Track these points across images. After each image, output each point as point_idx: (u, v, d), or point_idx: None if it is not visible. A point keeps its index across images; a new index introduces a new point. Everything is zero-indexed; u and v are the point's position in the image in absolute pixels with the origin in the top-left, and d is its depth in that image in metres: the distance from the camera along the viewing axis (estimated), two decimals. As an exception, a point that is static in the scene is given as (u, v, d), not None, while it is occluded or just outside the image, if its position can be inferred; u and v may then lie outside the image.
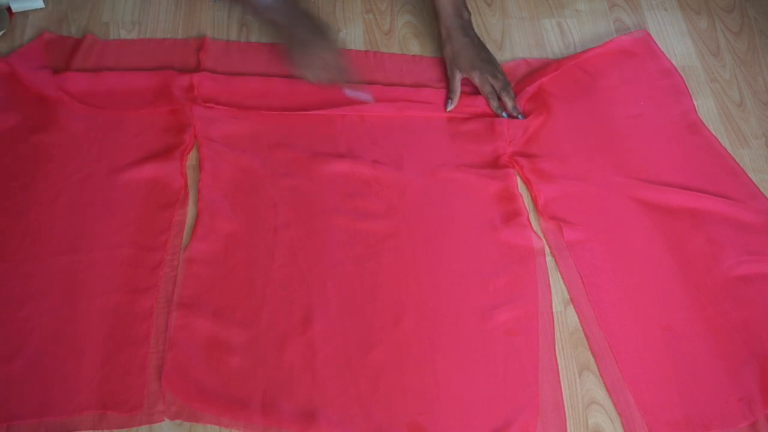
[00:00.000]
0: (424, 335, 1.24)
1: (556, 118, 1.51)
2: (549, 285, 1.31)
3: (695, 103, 1.56)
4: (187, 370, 1.18)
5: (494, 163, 1.45)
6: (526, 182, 1.44)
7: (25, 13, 1.58)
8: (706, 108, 1.57)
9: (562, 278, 1.33)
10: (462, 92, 1.53)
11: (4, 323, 1.20)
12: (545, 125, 1.50)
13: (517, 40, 1.65)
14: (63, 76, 1.46)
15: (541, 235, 1.38)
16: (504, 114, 1.49)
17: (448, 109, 1.49)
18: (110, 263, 1.27)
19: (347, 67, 1.47)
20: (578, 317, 1.29)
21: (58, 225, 1.30)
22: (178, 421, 1.15)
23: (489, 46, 1.58)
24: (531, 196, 1.42)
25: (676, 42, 1.69)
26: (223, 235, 1.32)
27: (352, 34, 1.62)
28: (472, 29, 1.55)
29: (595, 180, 1.43)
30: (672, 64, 1.62)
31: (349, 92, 1.48)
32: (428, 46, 1.62)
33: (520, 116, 1.48)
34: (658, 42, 1.66)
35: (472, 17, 1.61)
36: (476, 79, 1.49)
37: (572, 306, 1.30)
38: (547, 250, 1.36)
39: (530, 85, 1.54)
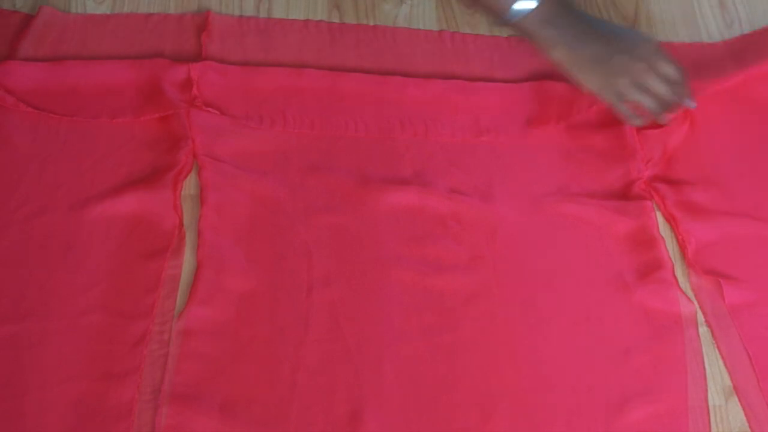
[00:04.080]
0: (523, 441, 1.24)
1: (709, 125, 1.51)
2: (704, 368, 1.30)
3: None
4: (184, 495, 1.18)
5: (625, 193, 1.44)
6: (671, 220, 1.42)
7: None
8: None
9: (723, 358, 1.31)
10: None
11: None
12: (694, 137, 1.50)
13: (657, 15, 1.67)
14: (4, 67, 1.46)
15: (692, 296, 1.36)
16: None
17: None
18: (73, 337, 1.25)
19: (683, 73, 1.44)
20: (746, 415, 1.27)
21: (-4, 281, 1.30)
22: None
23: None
24: (677, 239, 1.41)
25: None
26: (234, 297, 1.30)
27: (421, 8, 1.64)
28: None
29: (772, 218, 1.44)
30: None
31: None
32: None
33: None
34: None
35: None
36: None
37: (736, 398, 1.28)
38: (700, 318, 1.34)
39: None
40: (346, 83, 1.50)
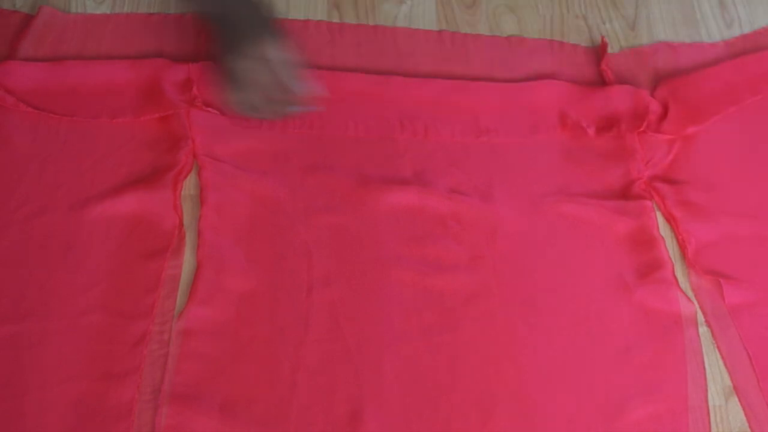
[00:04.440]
0: (524, 441, 1.22)
1: (710, 125, 1.50)
2: (704, 368, 1.29)
3: None
4: (184, 495, 1.18)
5: (625, 193, 1.43)
6: (671, 220, 1.41)
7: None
8: None
9: (722, 358, 1.31)
10: (584, 82, 1.53)
11: None
12: (694, 137, 1.49)
13: (657, 15, 1.66)
14: (4, 67, 1.46)
15: (692, 296, 1.35)
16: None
17: None
18: (73, 337, 1.25)
19: (302, 87, 1.41)
20: (745, 415, 1.27)
21: (-4, 281, 1.29)
22: None
23: (618, 25, 1.61)
24: (677, 239, 1.40)
25: None
26: (234, 297, 1.30)
27: (421, 8, 1.63)
28: None
29: (772, 218, 1.43)
30: None
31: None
32: (528, 23, 1.63)
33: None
34: None
35: None
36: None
37: (736, 398, 1.28)
38: (700, 318, 1.34)
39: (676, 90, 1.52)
40: (347, 83, 1.49)
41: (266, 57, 1.36)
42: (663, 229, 1.40)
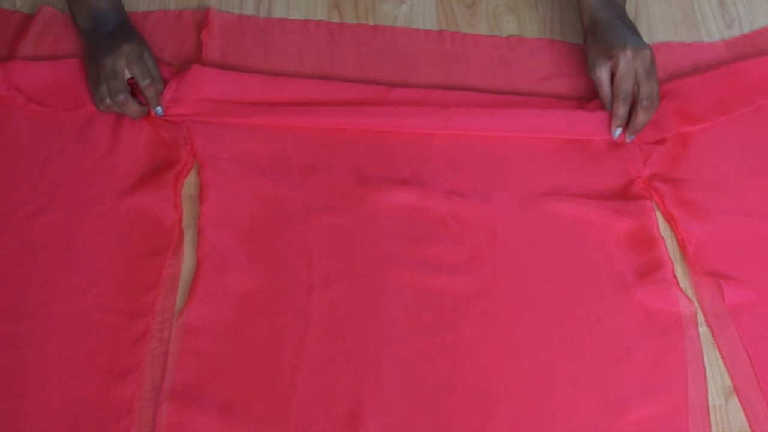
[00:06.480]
0: (523, 442, 1.22)
1: (713, 126, 1.50)
2: (704, 368, 1.29)
3: None
4: (184, 494, 1.17)
5: (624, 192, 1.42)
6: (670, 219, 1.41)
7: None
8: None
9: (723, 358, 1.30)
10: (583, 82, 1.53)
11: None
12: (693, 136, 1.49)
13: (657, 15, 1.66)
14: (13, 67, 1.46)
15: (692, 296, 1.35)
16: (617, 131, 1.45)
17: (614, 132, 1.45)
18: (73, 335, 1.25)
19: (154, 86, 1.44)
20: (746, 415, 1.26)
21: (-4, 280, 1.29)
22: None
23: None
24: (677, 239, 1.40)
25: None
26: (234, 296, 1.30)
27: (421, 8, 1.63)
28: (628, 19, 1.51)
29: (772, 217, 1.42)
30: None
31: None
32: (528, 23, 1.64)
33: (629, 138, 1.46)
34: None
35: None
36: (622, 60, 1.41)
37: (736, 398, 1.27)
38: (701, 318, 1.33)
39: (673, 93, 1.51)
40: (340, 119, 1.46)
41: (120, 57, 1.39)
42: (663, 229, 1.39)
